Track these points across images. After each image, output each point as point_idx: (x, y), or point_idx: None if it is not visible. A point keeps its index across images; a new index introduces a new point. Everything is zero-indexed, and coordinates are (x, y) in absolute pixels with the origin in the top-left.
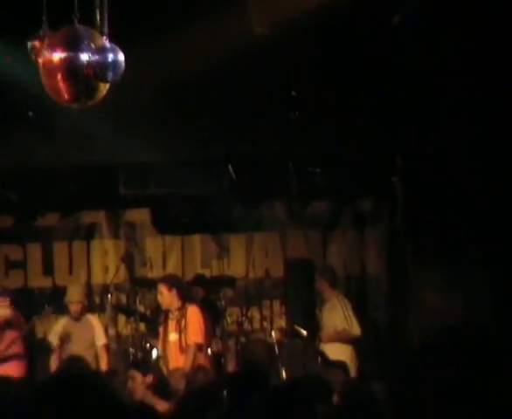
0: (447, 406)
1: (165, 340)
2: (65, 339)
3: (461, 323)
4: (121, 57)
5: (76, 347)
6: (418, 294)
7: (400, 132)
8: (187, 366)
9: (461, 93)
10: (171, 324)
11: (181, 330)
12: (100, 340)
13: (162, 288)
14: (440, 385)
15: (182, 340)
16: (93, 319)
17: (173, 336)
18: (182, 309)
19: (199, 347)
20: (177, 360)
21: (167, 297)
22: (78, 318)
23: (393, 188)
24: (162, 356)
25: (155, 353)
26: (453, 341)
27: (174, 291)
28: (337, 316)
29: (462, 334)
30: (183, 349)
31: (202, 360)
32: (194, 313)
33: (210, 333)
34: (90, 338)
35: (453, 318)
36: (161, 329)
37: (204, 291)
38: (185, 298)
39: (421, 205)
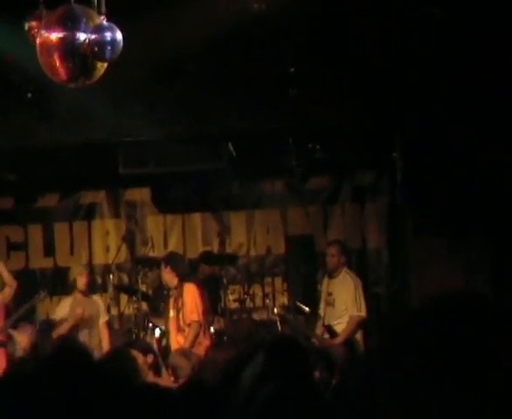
0: (443, 372)
1: (167, 318)
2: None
3: (461, 291)
4: (119, 35)
5: (85, 324)
6: (418, 267)
7: (400, 105)
8: (186, 344)
9: (463, 68)
10: (170, 301)
11: (178, 308)
12: (103, 317)
13: (163, 266)
14: (437, 351)
15: (179, 319)
16: (96, 297)
17: (172, 313)
18: (179, 287)
19: (198, 325)
20: (176, 338)
21: (166, 274)
22: (85, 294)
23: (393, 162)
24: (166, 333)
25: (157, 332)
26: (452, 308)
27: (171, 270)
28: (349, 295)
29: (461, 301)
30: (180, 327)
31: (202, 338)
32: (190, 291)
33: (210, 310)
34: (97, 315)
35: (453, 289)
36: (163, 306)
37: (209, 269)
38: (183, 276)
39: (421, 178)
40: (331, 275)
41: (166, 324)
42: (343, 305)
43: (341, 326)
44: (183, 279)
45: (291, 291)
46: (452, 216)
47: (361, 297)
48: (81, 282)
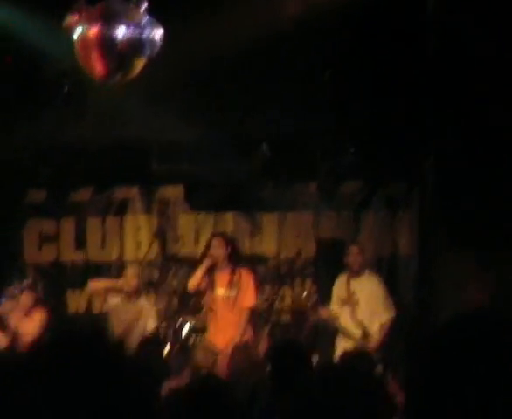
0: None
1: (212, 294)
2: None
3: (488, 310)
4: (159, 32)
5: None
6: (448, 278)
7: (434, 117)
8: (238, 331)
9: (496, 79)
10: (221, 278)
11: (232, 288)
12: (150, 325)
13: (217, 241)
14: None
15: (233, 299)
16: (145, 304)
17: (222, 291)
18: (234, 269)
19: (251, 312)
20: (226, 317)
21: (220, 250)
22: (130, 298)
23: (425, 173)
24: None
25: (187, 327)
26: (478, 329)
27: (222, 238)
28: (378, 295)
29: (488, 322)
30: (231, 308)
31: (249, 331)
32: (248, 276)
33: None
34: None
35: (482, 302)
36: (206, 281)
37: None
38: (237, 260)
39: (453, 190)
40: (353, 275)
41: (210, 298)
42: (370, 304)
43: (372, 326)
44: (237, 263)
45: (320, 295)
46: (483, 228)
47: (388, 297)
48: (132, 283)
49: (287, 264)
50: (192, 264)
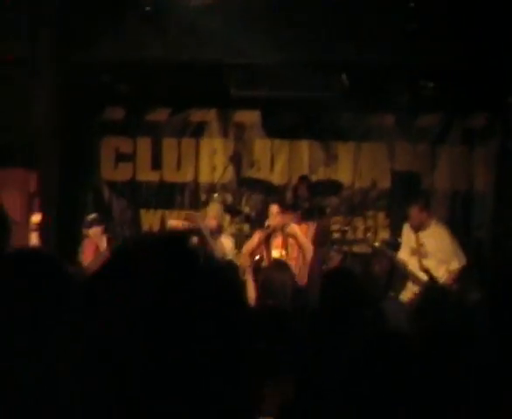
0: None
1: (268, 256)
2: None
3: None
4: None
5: None
6: None
7: None
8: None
9: None
10: (276, 240)
11: (286, 250)
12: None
13: (275, 208)
14: None
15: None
16: (226, 241)
17: (277, 253)
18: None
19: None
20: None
21: (277, 218)
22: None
23: (507, 106)
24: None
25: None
26: None
27: (287, 215)
28: (447, 246)
29: None
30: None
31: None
32: (299, 230)
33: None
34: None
35: None
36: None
37: (310, 196)
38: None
39: None
40: (418, 229)
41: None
42: (438, 255)
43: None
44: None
45: (393, 227)
46: None
47: (458, 246)
48: (212, 224)
49: (361, 195)
50: (267, 190)
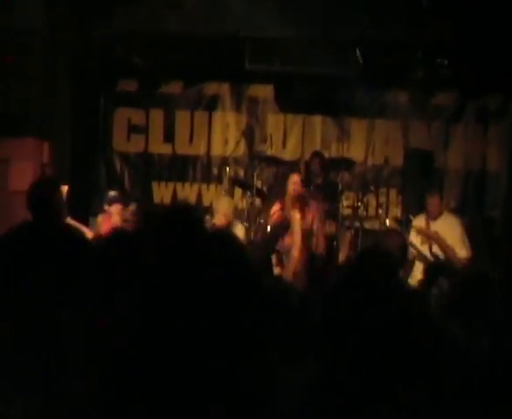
0: None
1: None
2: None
3: None
4: None
5: None
6: None
7: None
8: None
9: None
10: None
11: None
12: None
13: (295, 177)
14: None
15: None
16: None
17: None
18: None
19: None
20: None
21: (296, 187)
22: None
23: None
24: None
25: (268, 229)
26: None
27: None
28: (456, 235)
29: None
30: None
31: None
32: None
33: (324, 217)
34: None
35: None
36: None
37: (323, 172)
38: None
39: None
40: (435, 219)
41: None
42: (449, 243)
43: None
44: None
45: (405, 205)
46: None
47: (466, 237)
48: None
49: (374, 172)
50: (278, 164)
